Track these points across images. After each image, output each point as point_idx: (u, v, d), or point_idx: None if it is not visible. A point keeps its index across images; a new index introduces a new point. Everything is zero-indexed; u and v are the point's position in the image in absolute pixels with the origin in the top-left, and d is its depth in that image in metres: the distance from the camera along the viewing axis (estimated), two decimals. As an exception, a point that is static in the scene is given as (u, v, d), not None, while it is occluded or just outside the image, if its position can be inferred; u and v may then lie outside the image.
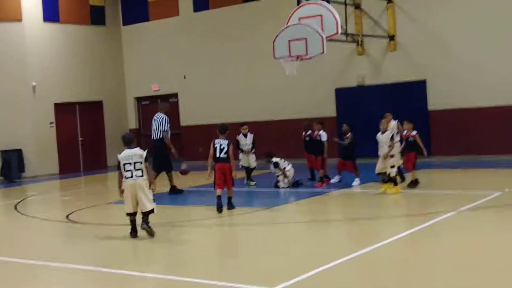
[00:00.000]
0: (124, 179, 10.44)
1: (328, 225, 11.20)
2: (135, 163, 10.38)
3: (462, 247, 8.79)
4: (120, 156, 10.50)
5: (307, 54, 16.97)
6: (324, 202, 13.49)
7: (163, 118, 16.31)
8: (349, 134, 15.32)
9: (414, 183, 14.14)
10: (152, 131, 16.55)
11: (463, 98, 19.36)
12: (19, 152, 22.91)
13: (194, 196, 16.16)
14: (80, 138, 25.30)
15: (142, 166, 10.43)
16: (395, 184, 13.67)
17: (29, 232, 12.56)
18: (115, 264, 8.91)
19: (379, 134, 13.96)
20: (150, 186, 10.57)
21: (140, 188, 10.36)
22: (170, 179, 16.17)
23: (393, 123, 14.63)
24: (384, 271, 7.70)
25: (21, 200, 17.03)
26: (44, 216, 13.63)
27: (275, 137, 21.35)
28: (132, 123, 27.05)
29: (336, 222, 11.43)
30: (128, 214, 10.58)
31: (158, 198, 15.42)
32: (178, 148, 25.52)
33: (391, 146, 13.63)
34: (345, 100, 21.46)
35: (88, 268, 8.71)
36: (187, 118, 25.39)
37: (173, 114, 25.72)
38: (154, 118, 16.66)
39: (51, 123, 24.08)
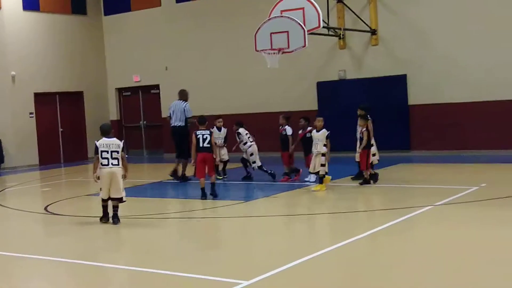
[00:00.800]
0: (100, 166, 10.86)
1: (305, 218, 11.23)
2: (112, 151, 10.84)
3: (436, 240, 8.86)
4: (98, 143, 10.93)
5: (288, 47, 16.95)
6: (300, 196, 13.51)
7: (185, 106, 16.63)
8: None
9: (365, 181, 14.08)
10: (173, 119, 16.85)
11: (444, 93, 19.47)
12: (-3, 142, 22.73)
13: (173, 188, 16.13)
14: (60, 129, 25.13)
15: (119, 155, 10.88)
16: (320, 182, 13.71)
17: (7, 223, 12.50)
18: (92, 256, 8.88)
19: (314, 131, 13.98)
20: (124, 175, 11.05)
21: (115, 176, 10.85)
22: (184, 167, 16.39)
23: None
24: (359, 264, 7.74)
25: (0, 191, 16.92)
26: (22, 207, 13.55)
27: (256, 130, 21.33)
28: (114, 114, 26.91)
29: (312, 215, 11.45)
30: (102, 200, 11.03)
31: (146, 189, 15.54)
32: (159, 140, 25.64)
33: (326, 145, 13.66)
34: (326, 94, 21.49)
35: (65, 260, 8.68)
36: (168, 110, 25.22)
37: (154, 105, 25.71)
38: (172, 106, 16.99)
39: (30, 113, 23.91)
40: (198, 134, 13.26)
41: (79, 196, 14.88)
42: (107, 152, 10.83)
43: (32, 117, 23.97)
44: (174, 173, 16.61)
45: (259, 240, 9.93)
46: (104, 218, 11.12)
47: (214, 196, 13.23)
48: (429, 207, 11.08)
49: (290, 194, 13.59)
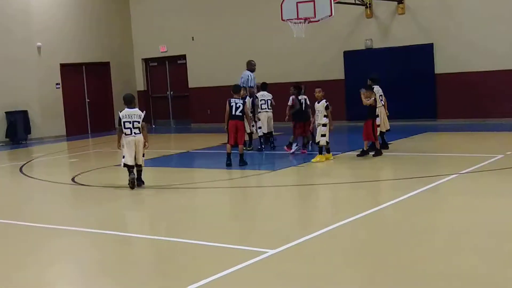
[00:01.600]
0: (124, 136, 11.46)
1: (330, 188, 11.21)
2: (133, 121, 11.44)
3: (462, 208, 8.83)
4: (121, 114, 11.55)
5: (315, 17, 16.85)
6: (327, 165, 13.46)
7: (248, 75, 16.74)
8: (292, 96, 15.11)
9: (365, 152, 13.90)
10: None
11: (470, 61, 19.24)
12: (24, 114, 22.84)
13: (202, 158, 16.21)
14: (87, 100, 25.27)
15: (139, 125, 11.44)
16: (320, 153, 13.64)
17: (35, 194, 12.63)
18: (119, 227, 8.98)
19: (316, 103, 13.86)
20: (144, 144, 11.58)
21: (138, 144, 11.45)
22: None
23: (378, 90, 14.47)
24: (385, 232, 7.74)
25: (27, 162, 17.11)
26: (50, 178, 13.69)
27: (282, 100, 21.30)
28: (140, 85, 26.98)
29: (337, 184, 11.42)
30: (126, 166, 11.52)
31: (173, 159, 15.64)
32: (186, 110, 25.69)
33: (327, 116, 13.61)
34: (353, 63, 21.35)
35: (92, 231, 8.78)
36: (195, 80, 25.32)
37: (181, 76, 25.74)
38: (241, 76, 16.98)
39: (57, 84, 24.05)
40: (232, 102, 13.51)
41: (106, 167, 15.00)
42: (130, 122, 11.42)
43: (59, 88, 24.10)
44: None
45: (285, 209, 9.96)
46: (131, 183, 11.50)
47: (243, 164, 13.38)
48: (455, 175, 11.02)
49: (315, 164, 13.55)
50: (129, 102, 11.67)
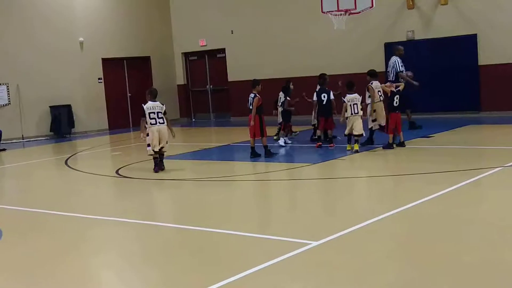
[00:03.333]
0: (149, 125, 12.76)
1: (372, 180, 11.14)
2: (157, 112, 12.78)
3: (505, 203, 8.70)
4: (145, 107, 12.87)
5: (355, 8, 16.76)
6: (367, 158, 13.40)
7: (395, 61, 16.89)
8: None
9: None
10: (389, 75, 17.15)
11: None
12: (68, 108, 23.23)
13: (242, 151, 16.25)
14: (128, 94, 25.52)
15: (162, 115, 12.81)
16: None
17: (81, 187, 12.80)
18: (161, 218, 9.06)
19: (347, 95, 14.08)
20: (172, 132, 13.13)
21: (163, 132, 12.87)
22: (408, 115, 17.13)
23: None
24: (428, 225, 7.67)
25: (72, 155, 17.36)
26: (94, 171, 13.87)
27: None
28: (180, 79, 27.15)
29: (379, 177, 11.34)
30: (151, 154, 12.93)
31: (213, 152, 15.73)
32: (226, 103, 25.76)
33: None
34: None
35: (136, 222, 8.88)
36: (234, 74, 25.37)
37: (220, 69, 25.82)
38: (389, 62, 17.30)
39: (99, 78, 24.35)
40: (249, 97, 14.14)
41: (148, 160, 15.12)
42: (154, 113, 12.76)
43: (101, 82, 24.41)
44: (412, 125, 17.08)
45: (326, 202, 9.96)
46: (157, 167, 12.91)
47: (270, 156, 13.71)
48: (499, 168, 10.87)
49: (356, 157, 13.49)
50: (154, 95, 13.02)
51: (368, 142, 14.52)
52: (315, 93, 15.14)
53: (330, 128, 14.88)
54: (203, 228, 8.26)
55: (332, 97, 14.75)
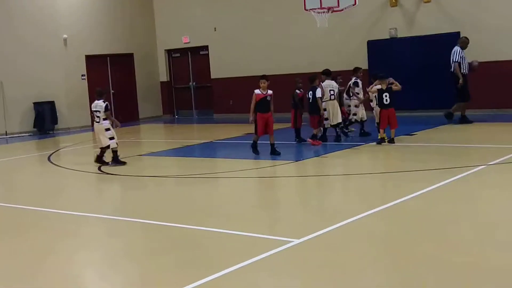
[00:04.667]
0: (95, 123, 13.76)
1: (356, 178, 11.18)
2: (98, 111, 13.48)
3: (488, 201, 8.77)
4: (92, 105, 13.88)
5: (338, 6, 16.77)
6: (349, 156, 13.44)
7: (454, 51, 17.10)
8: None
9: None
10: (450, 65, 17.39)
11: (497, 50, 19.02)
12: (51, 104, 23.16)
13: (225, 148, 16.23)
14: (111, 91, 25.42)
15: (101, 114, 13.44)
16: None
17: (63, 183, 12.77)
18: (144, 214, 9.02)
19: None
20: (113, 125, 13.76)
21: (99, 130, 13.62)
22: (460, 108, 17.38)
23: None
24: (410, 223, 7.70)
25: (55, 152, 17.28)
26: (77, 167, 13.81)
27: (304, 90, 21.31)
28: (163, 76, 27.10)
29: (363, 175, 11.38)
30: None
31: (195, 149, 15.70)
32: (209, 101, 25.74)
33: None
34: (377, 53, 21.21)
35: (118, 218, 8.87)
36: (217, 71, 25.34)
37: (203, 66, 25.77)
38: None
39: (82, 75, 24.24)
40: (259, 93, 13.53)
41: (131, 156, 15.08)
42: (96, 111, 13.57)
43: (84, 79, 24.31)
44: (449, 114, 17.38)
45: (309, 199, 9.98)
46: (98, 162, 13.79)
47: (276, 154, 13.43)
48: (483, 166, 10.93)
49: (338, 154, 13.54)
50: (98, 95, 13.73)
51: (321, 138, 15.03)
52: (335, 89, 15.26)
53: (315, 126, 14.87)
54: (184, 225, 8.25)
55: (318, 95, 14.70)
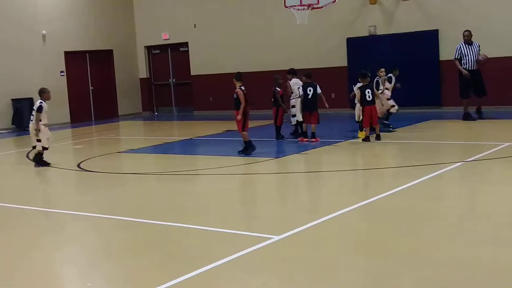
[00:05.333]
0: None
1: (334, 175, 11.22)
2: (33, 110, 13.41)
3: (465, 197, 8.86)
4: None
5: (318, 3, 16.84)
6: (328, 153, 13.49)
7: (456, 48, 17.48)
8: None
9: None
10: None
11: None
12: (30, 101, 22.88)
13: (205, 145, 16.22)
14: (91, 87, 25.30)
15: (35, 114, 13.22)
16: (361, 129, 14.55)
17: (42, 179, 12.70)
18: (124, 212, 9.00)
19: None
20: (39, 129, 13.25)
21: (31, 130, 13.38)
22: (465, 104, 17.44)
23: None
24: (388, 220, 7.75)
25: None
26: (56, 164, 13.71)
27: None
28: (143, 72, 27.00)
29: (342, 172, 11.44)
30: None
31: (175, 146, 15.66)
32: (188, 97, 25.69)
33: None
34: (356, 50, 21.31)
35: (98, 216, 8.83)
36: (197, 68, 25.30)
37: (183, 63, 25.72)
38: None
39: (61, 72, 24.09)
40: (243, 89, 13.14)
41: (111, 153, 15.04)
42: (32, 110, 13.47)
43: (63, 75, 24.16)
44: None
45: (290, 196, 10.01)
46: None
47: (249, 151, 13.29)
48: (460, 163, 11.03)
49: (319, 151, 13.59)
50: (39, 94, 13.60)
51: (293, 134, 15.49)
52: (300, 87, 15.09)
53: (315, 122, 14.77)
54: (164, 222, 8.24)
55: (319, 91, 14.68)
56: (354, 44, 21.41)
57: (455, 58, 17.29)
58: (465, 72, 17.08)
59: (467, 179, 10.04)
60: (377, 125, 14.30)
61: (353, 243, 6.96)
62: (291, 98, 15.42)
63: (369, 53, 20.80)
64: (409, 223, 7.58)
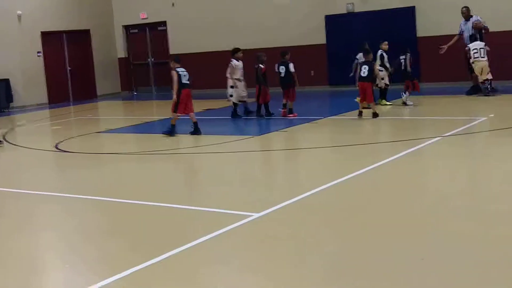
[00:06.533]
0: None
1: (312, 152, 11.26)
2: None
3: (443, 171, 8.93)
4: None
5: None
6: (307, 130, 13.53)
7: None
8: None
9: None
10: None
11: (452, 24, 19.15)
12: (6, 82, 22.73)
13: (184, 124, 16.17)
14: (68, 68, 25.08)
15: None
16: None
17: (18, 161, 12.61)
18: (102, 192, 8.98)
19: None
20: None
21: None
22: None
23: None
24: (367, 196, 7.81)
25: (10, 130, 17.03)
26: (33, 145, 13.64)
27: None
28: (121, 52, 26.79)
29: (320, 149, 11.49)
30: None
31: (155, 126, 15.60)
32: (167, 77, 25.49)
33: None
34: (334, 27, 21.29)
35: (76, 196, 8.80)
36: (175, 47, 25.13)
37: (162, 42, 25.55)
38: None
39: (38, 52, 23.84)
40: (179, 71, 13.39)
41: (89, 134, 14.97)
42: None
43: (40, 56, 23.90)
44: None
45: (269, 174, 10.05)
46: None
47: (197, 133, 13.41)
48: (438, 138, 11.11)
49: (298, 129, 13.62)
50: None
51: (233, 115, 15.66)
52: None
53: (291, 100, 15.04)
54: (143, 202, 8.23)
55: (292, 69, 14.89)
56: (332, 22, 21.38)
57: (458, 33, 17.54)
58: (442, 47, 17.20)
59: (444, 154, 10.13)
60: (371, 102, 14.20)
61: (333, 219, 7.00)
62: (236, 78, 15.65)
63: (347, 30, 20.80)
64: (387, 198, 7.64)
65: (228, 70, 15.80)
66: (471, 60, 16.37)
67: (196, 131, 13.45)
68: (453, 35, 18.00)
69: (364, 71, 14.22)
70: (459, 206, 7.10)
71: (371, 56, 14.66)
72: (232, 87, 15.66)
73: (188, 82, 13.47)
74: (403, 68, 15.56)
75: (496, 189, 7.78)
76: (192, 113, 13.55)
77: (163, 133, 13.43)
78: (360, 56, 15.38)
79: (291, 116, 14.84)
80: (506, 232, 6.06)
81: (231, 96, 15.68)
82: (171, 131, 13.37)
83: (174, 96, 13.31)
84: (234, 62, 15.68)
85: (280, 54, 15.16)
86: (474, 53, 16.24)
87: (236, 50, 15.91)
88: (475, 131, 11.59)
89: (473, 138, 11.18)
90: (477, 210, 6.90)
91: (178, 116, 13.39)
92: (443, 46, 17.37)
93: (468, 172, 9.01)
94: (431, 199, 7.47)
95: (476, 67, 16.26)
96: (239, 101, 15.75)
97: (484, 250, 5.68)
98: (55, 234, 7.33)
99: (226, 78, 15.95)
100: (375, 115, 13.92)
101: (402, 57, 15.59)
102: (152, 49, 26.27)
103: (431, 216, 6.77)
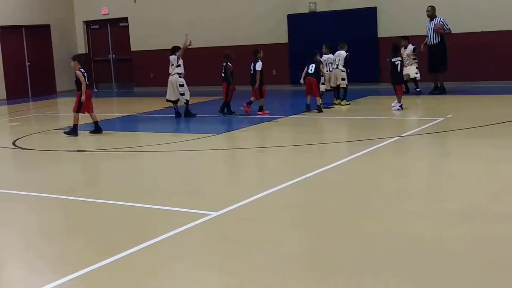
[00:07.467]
0: None
1: (273, 151, 11.31)
2: None
3: (401, 171, 9.05)
4: None
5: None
6: (269, 129, 13.58)
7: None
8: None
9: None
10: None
11: (413, 25, 19.38)
12: (-36, 77, 22.40)
13: (145, 122, 16.11)
14: (27, 63, 24.75)
15: None
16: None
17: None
18: (61, 190, 8.89)
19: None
20: None
21: None
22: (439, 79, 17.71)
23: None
24: (326, 195, 7.86)
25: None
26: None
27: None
28: (81, 48, 26.50)
29: (279, 148, 11.52)
30: None
31: (115, 123, 15.48)
32: (129, 73, 25.38)
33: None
34: (296, 26, 21.38)
35: (34, 194, 8.71)
36: (137, 44, 25.00)
37: (123, 39, 25.37)
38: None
39: (-4, 47, 23.52)
40: (83, 71, 13.70)
41: (48, 131, 14.80)
42: None
43: (-2, 51, 23.57)
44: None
45: (228, 172, 10.05)
46: None
47: (99, 132, 13.68)
48: (396, 138, 11.23)
49: (259, 127, 13.65)
50: None
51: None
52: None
53: (257, 97, 15.17)
54: (102, 200, 8.19)
55: (258, 68, 15.08)
56: (294, 21, 21.46)
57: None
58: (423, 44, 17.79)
59: (401, 153, 10.25)
60: (317, 97, 14.98)
61: (291, 218, 7.04)
62: (182, 76, 15.62)
63: (309, 30, 20.90)
64: (345, 198, 7.70)
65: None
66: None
67: (97, 130, 13.70)
68: (414, 36, 18.22)
69: (312, 68, 15.08)
70: (412, 205, 7.19)
71: (317, 58, 15.45)
72: (181, 85, 15.48)
73: (87, 82, 13.73)
74: (398, 70, 15.35)
75: (449, 188, 7.90)
76: (93, 113, 13.75)
77: (64, 133, 13.65)
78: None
79: (260, 114, 14.93)
80: (458, 231, 6.15)
81: (182, 94, 15.50)
82: (74, 131, 13.55)
83: (83, 96, 13.43)
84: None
85: (253, 53, 15.45)
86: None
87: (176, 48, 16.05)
88: (432, 131, 11.73)
89: (429, 138, 11.32)
90: (430, 209, 6.99)
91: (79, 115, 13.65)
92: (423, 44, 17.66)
93: (423, 172, 9.12)
94: (385, 197, 7.54)
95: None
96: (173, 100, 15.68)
97: (435, 249, 5.76)
98: (11, 232, 7.24)
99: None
100: (319, 108, 14.81)
101: (395, 59, 15.32)
102: (113, 46, 26.07)
103: (384, 215, 6.84)
